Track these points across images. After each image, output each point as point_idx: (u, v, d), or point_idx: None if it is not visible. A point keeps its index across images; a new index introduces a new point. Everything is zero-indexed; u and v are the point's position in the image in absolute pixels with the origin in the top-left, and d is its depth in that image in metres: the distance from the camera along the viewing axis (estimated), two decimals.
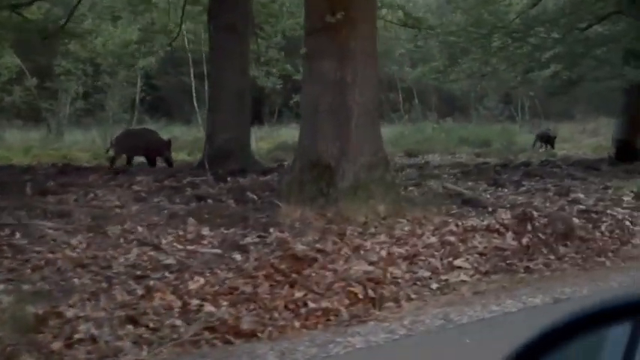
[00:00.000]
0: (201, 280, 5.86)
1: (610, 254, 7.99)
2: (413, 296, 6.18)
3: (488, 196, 11.04)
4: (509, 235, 7.86)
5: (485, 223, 8.17)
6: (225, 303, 5.40)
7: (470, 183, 13.09)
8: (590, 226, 8.84)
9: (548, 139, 25.36)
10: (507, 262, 7.34)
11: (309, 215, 8.05)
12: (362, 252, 7.14)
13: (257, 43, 18.93)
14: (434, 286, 6.63)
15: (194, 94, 30.32)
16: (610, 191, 12.07)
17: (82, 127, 28.17)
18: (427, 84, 35.09)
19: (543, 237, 7.91)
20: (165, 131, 22.31)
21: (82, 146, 24.21)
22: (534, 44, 19.40)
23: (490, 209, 9.47)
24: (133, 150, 16.93)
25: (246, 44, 15.91)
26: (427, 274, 6.82)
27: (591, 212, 9.35)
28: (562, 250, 7.86)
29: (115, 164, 16.33)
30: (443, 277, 6.80)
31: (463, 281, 6.81)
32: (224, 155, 14.51)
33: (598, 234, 8.58)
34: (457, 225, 8.09)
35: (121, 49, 23.98)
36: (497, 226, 8.00)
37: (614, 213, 9.36)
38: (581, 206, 10.00)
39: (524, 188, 12.63)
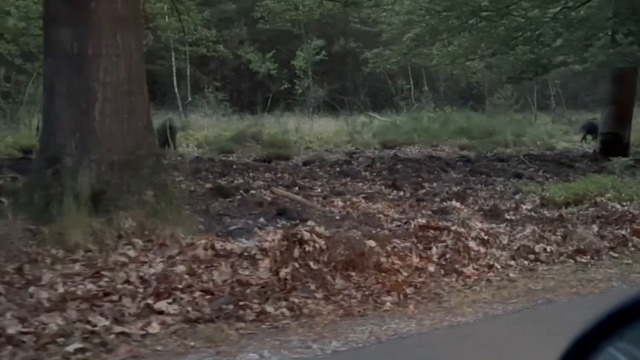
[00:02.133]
0: None
1: (409, 290, 5.98)
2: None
3: (324, 206, 8.97)
4: (265, 264, 5.90)
5: (248, 245, 6.21)
6: None
7: (361, 184, 11.10)
8: (419, 247, 6.85)
9: (593, 130, 22.69)
10: (241, 303, 5.40)
11: (19, 231, 6.19)
12: (32, 288, 5.27)
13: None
14: (111, 337, 4.75)
15: None
16: (518, 196, 9.94)
17: None
18: (437, 71, 32.85)
19: (315, 266, 5.92)
20: None
21: None
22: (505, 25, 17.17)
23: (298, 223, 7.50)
24: None
25: None
26: (105, 322, 4.92)
27: (430, 228, 7.27)
28: (341, 283, 5.87)
29: None
30: (126, 329, 4.89)
31: (151, 334, 4.90)
32: None
33: (417, 259, 6.56)
34: (207, 248, 6.15)
35: None
36: (254, 252, 6.03)
37: (462, 230, 7.27)
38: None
39: (422, 191, 10.62)
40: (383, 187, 11.03)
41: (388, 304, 5.69)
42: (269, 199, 8.99)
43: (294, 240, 6.08)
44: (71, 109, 6.66)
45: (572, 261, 7.14)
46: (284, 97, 32.25)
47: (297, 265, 5.93)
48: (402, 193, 10.52)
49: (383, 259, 6.35)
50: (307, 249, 6.03)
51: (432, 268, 6.54)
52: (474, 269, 6.65)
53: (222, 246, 6.21)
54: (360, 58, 32.55)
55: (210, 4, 35.05)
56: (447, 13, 17.64)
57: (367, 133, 23.97)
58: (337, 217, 7.98)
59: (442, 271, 6.52)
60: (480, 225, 7.65)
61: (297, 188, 10.49)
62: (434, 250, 6.87)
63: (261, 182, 11.01)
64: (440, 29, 18.48)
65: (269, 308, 5.40)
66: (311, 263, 5.98)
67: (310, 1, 21.00)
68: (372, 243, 6.34)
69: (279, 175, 12.38)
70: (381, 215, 8.15)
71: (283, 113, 28.10)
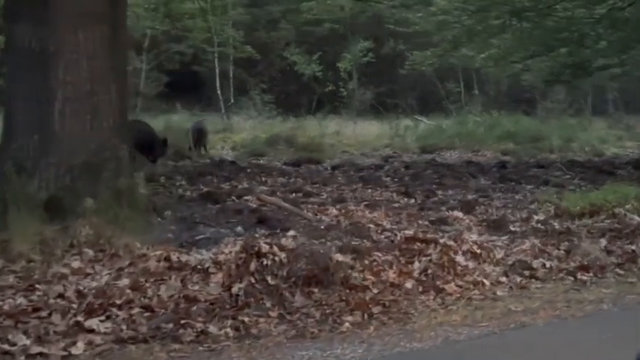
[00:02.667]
0: None
1: (375, 309, 5.49)
2: None
3: (316, 214, 8.47)
4: (218, 278, 5.48)
5: (204, 257, 5.79)
6: None
7: (372, 190, 10.62)
8: (402, 261, 6.35)
9: None
10: (183, 321, 4.99)
11: None
12: None
13: None
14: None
15: None
16: (534, 205, 9.32)
17: None
18: (487, 73, 32.11)
19: (273, 282, 5.47)
20: None
21: None
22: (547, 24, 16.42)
23: (278, 232, 7.08)
24: None
25: None
26: (25, 342, 4.57)
27: (416, 240, 6.75)
28: (301, 301, 5.41)
29: None
30: (46, 349, 4.53)
31: (73, 355, 4.54)
32: None
33: (395, 275, 6.07)
34: (161, 260, 5.75)
35: None
36: (207, 265, 5.61)
37: (451, 243, 6.72)
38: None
39: (434, 199, 10.06)
40: (395, 194, 10.49)
41: (347, 324, 5.20)
42: (254, 205, 8.54)
43: (252, 252, 5.61)
44: (30, 109, 6.35)
45: (571, 278, 6.53)
46: (329, 100, 31.79)
47: (252, 280, 5.49)
48: (412, 201, 9.97)
49: (355, 274, 5.85)
50: (265, 262, 5.57)
51: (409, 285, 6.02)
52: (457, 286, 6.10)
53: (177, 258, 5.78)
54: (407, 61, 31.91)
55: (257, 5, 34.92)
56: (484, 13, 16.95)
57: (410, 137, 23.38)
58: (322, 227, 7.49)
59: (420, 288, 6.00)
60: (474, 237, 7.10)
61: (300, 194, 10.03)
62: (416, 264, 6.33)
63: (265, 188, 10.57)
64: (476, 30, 17.80)
65: (212, 328, 4.97)
66: (269, 278, 5.53)
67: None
68: (339, 257, 5.84)
69: (292, 179, 11.94)
70: (371, 225, 7.63)
71: (327, 116, 27.67)
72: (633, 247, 7.07)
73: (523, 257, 6.81)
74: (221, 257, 5.62)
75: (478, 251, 6.78)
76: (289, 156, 16.59)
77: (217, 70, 30.13)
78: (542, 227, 7.90)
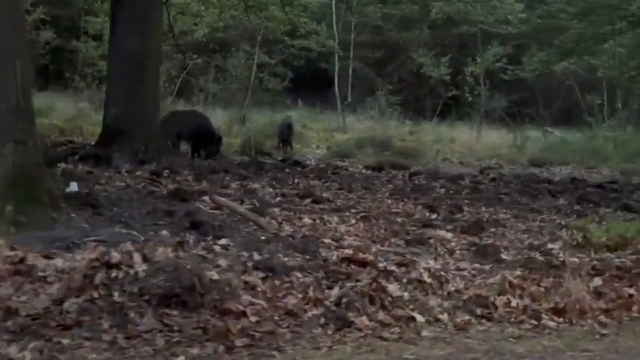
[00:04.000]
0: None
1: (240, 341, 4.49)
2: None
3: (281, 223, 7.43)
4: (53, 289, 4.60)
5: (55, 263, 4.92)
6: None
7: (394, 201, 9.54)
8: (323, 284, 5.30)
9: None
10: None
11: None
12: None
13: None
14: None
15: None
16: (564, 232, 7.93)
17: None
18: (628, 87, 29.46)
19: (120, 298, 4.55)
20: None
21: None
22: None
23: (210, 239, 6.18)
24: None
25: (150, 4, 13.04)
26: None
27: (353, 262, 5.63)
28: (150, 324, 4.45)
29: None
30: None
31: None
32: (117, 133, 12.10)
33: (295, 301, 5.01)
34: (13, 263, 4.94)
35: None
36: (49, 272, 4.73)
37: (392, 268, 5.57)
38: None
39: (459, 215, 8.84)
40: (420, 207, 9.33)
41: (188, 357, 4.16)
42: (206, 208, 7.62)
43: (104, 262, 4.68)
44: None
45: (534, 323, 5.22)
46: (456, 105, 30.62)
47: (95, 295, 4.53)
48: (434, 216, 8.79)
49: (246, 296, 4.83)
50: (115, 275, 4.61)
51: (310, 314, 4.90)
52: (374, 321, 4.92)
53: (32, 262, 4.93)
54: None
55: (393, 3, 34.01)
56: (595, 17, 15.38)
57: (530, 149, 22.08)
58: (263, 239, 6.48)
59: (322, 320, 4.86)
60: (430, 264, 5.86)
61: (309, 200, 9.11)
62: (335, 290, 5.20)
63: (274, 190, 9.73)
64: (587, 35, 16.23)
65: (12, 349, 4.06)
66: (116, 294, 4.55)
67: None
68: (214, 275, 4.80)
69: (327, 183, 11.09)
70: (329, 241, 6.55)
71: (453, 122, 27.09)
72: (632, 291, 5.60)
73: (486, 292, 5.53)
74: (66, 265, 4.70)
75: (428, 280, 5.55)
76: (376, 159, 15.91)
77: (337, 69, 29.81)
78: (541, 258, 6.53)
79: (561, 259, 6.39)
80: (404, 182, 12.61)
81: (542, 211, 9.91)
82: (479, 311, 5.30)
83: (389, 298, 5.23)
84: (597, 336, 5.02)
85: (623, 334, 5.09)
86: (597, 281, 5.83)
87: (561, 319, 5.28)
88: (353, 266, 5.64)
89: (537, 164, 19.06)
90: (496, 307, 5.38)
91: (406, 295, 5.33)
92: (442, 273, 5.75)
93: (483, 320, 5.21)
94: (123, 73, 12.55)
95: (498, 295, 5.52)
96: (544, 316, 5.31)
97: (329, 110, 29.55)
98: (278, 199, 8.99)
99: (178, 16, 20.31)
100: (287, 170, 12.35)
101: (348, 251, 5.94)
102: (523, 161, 19.43)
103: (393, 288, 5.32)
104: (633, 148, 23.73)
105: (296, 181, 11.21)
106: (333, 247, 6.41)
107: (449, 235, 7.23)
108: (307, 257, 6.00)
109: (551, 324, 5.20)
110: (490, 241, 7.21)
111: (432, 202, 9.54)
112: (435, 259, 6.40)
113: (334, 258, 5.84)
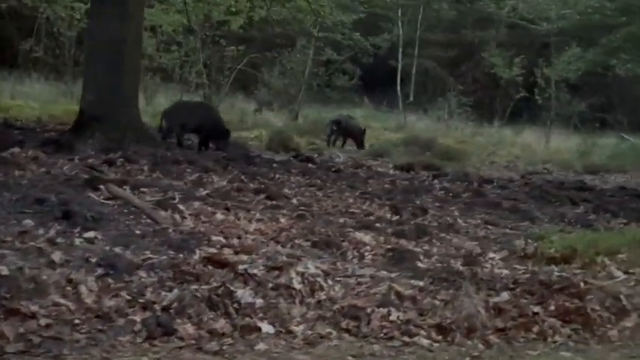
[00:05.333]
0: None
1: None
2: None
3: (184, 218, 6.69)
4: None
5: None
6: None
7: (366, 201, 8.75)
8: (165, 286, 4.61)
9: None
10: None
11: None
12: None
13: None
14: None
15: None
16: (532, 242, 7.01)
17: None
18: None
19: None
20: None
21: None
22: None
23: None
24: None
25: None
26: None
27: (215, 262, 4.88)
28: None
29: None
30: None
31: None
32: (92, 120, 11.66)
33: (113, 302, 4.29)
34: None
35: None
36: None
37: (254, 271, 4.78)
38: None
39: (420, 219, 8.09)
40: (386, 208, 8.52)
41: None
42: (100, 198, 6.93)
43: None
44: None
45: (406, 339, 4.34)
46: (527, 108, 29.69)
47: None
48: (395, 218, 8.01)
49: (54, 295, 4.15)
50: None
51: (128, 319, 4.16)
52: (200, 330, 4.14)
53: None
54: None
55: (472, 1, 33.26)
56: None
57: (596, 156, 21.14)
58: (137, 233, 5.76)
59: (139, 326, 4.11)
60: (308, 269, 5.04)
61: (263, 195, 8.37)
62: (174, 293, 4.45)
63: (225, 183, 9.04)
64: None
65: None
66: None
67: None
68: (3, 270, 4.09)
69: (309, 179, 10.58)
70: (219, 238, 5.80)
71: (516, 124, 26.59)
72: (537, 309, 4.67)
73: (364, 303, 4.69)
74: None
75: (298, 287, 4.75)
76: (409, 159, 15.13)
77: (399, 67, 30.01)
78: (460, 269, 5.63)
79: (481, 271, 5.46)
80: (409, 183, 11.78)
81: (535, 219, 8.91)
82: (345, 324, 4.46)
83: (235, 305, 4.44)
84: (467, 358, 4.11)
85: (503, 358, 4.17)
86: (505, 296, 4.91)
87: (440, 337, 4.38)
88: (210, 267, 4.88)
89: (592, 171, 17.99)
90: (369, 321, 4.52)
91: (260, 302, 4.53)
92: (318, 279, 4.90)
93: (345, 335, 4.37)
94: (100, 58, 12.10)
95: (378, 307, 4.66)
96: (422, 332, 4.42)
97: (397, 109, 29.15)
98: (218, 193, 8.23)
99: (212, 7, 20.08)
100: (275, 166, 11.66)
101: (213, 250, 5.16)
102: (578, 167, 18.40)
103: (242, 293, 4.53)
104: None
105: (277, 176, 10.47)
106: (218, 246, 5.62)
107: (367, 239, 6.37)
108: (172, 255, 5.25)
109: (425, 342, 4.33)
110: (417, 248, 6.32)
111: (398, 204, 8.66)
112: (334, 263, 5.56)
113: (196, 257, 5.06)
